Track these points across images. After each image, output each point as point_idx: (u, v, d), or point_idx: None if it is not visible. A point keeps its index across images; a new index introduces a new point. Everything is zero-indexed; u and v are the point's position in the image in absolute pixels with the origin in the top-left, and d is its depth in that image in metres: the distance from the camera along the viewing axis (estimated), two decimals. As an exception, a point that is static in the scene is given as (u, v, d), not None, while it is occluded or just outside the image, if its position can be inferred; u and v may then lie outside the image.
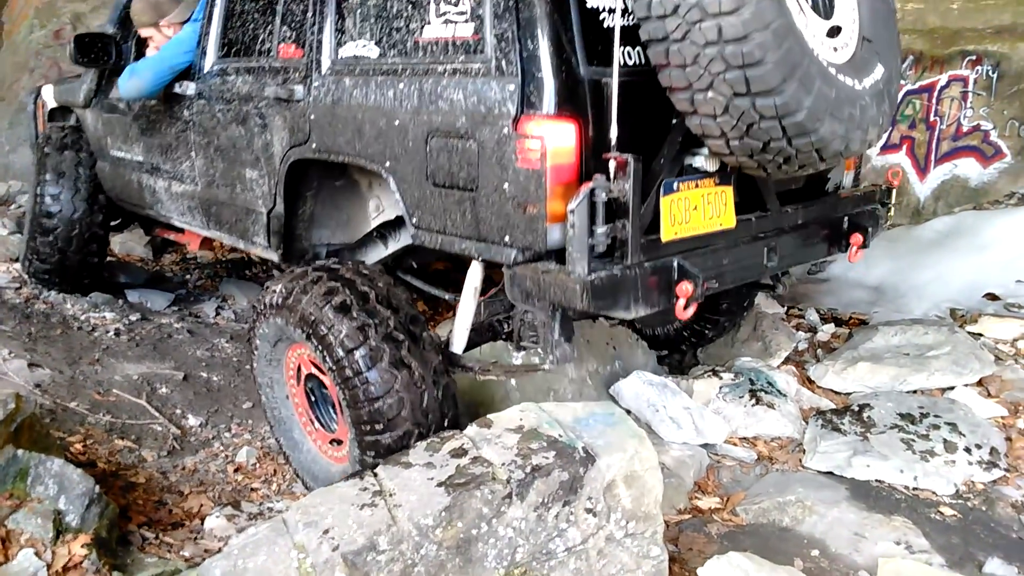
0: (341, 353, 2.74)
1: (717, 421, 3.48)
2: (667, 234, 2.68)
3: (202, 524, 3.10)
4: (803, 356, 4.34)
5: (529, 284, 2.57)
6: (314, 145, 3.23)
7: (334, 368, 2.78)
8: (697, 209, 2.77)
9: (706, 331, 4.29)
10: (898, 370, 3.80)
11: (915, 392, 3.71)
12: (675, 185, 2.70)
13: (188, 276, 6.13)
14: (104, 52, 4.46)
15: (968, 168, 6.34)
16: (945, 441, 3.29)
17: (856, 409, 3.54)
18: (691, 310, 2.62)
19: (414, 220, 2.94)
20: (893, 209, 3.65)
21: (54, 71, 9.13)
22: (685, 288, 2.58)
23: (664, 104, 2.53)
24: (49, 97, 5.45)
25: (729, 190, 2.88)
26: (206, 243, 4.61)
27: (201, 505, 3.23)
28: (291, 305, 2.91)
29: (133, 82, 4.09)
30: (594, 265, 2.46)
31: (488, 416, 2.64)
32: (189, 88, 3.95)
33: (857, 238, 3.37)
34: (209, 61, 3.88)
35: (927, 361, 3.82)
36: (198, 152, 3.98)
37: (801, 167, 2.59)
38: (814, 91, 2.36)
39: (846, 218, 3.40)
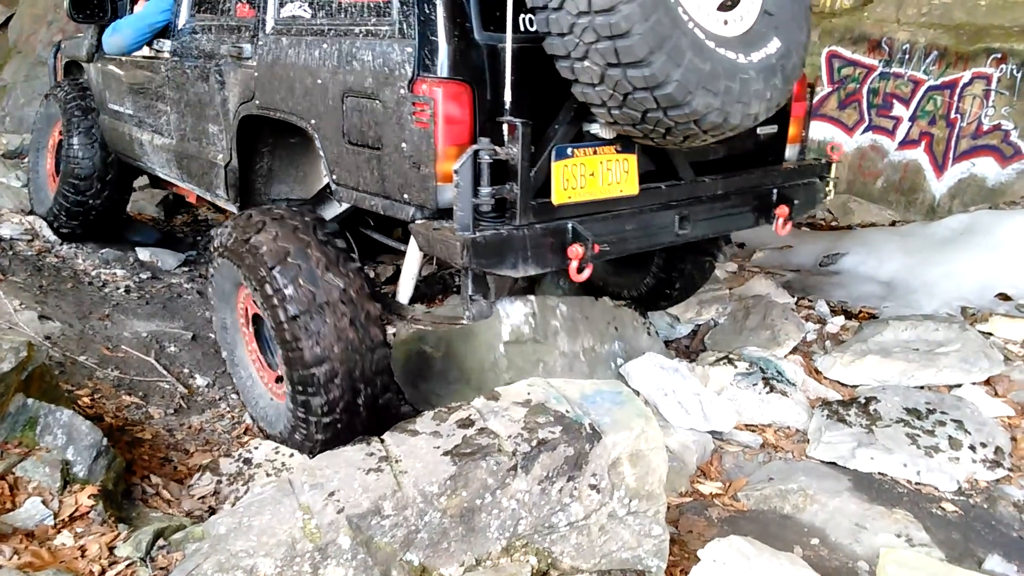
0: (241, 247, 2.94)
1: (726, 409, 3.48)
2: (559, 198, 2.71)
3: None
4: (811, 347, 4.32)
5: (422, 241, 2.64)
6: (257, 102, 3.33)
7: (240, 265, 2.95)
8: (594, 175, 2.80)
9: (665, 294, 4.42)
10: (906, 365, 3.79)
11: (923, 388, 3.70)
12: (569, 151, 2.72)
13: (199, 237, 6.13)
14: (99, 8, 4.56)
15: (986, 167, 6.28)
16: (950, 438, 3.29)
17: (863, 401, 3.53)
18: (586, 273, 2.65)
19: (334, 176, 3.04)
20: (833, 184, 3.63)
21: (71, 24, 9.10)
22: (576, 251, 2.61)
23: None
24: None
25: (632, 158, 2.89)
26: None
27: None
28: (210, 249, 3.23)
29: (115, 38, 4.25)
30: (481, 224, 2.52)
31: (496, 389, 2.64)
32: (165, 45, 4.06)
33: (783, 210, 3.34)
34: (182, 19, 3.98)
35: (936, 357, 3.81)
36: (173, 107, 4.10)
37: (685, 138, 2.62)
38: (684, 63, 2.37)
39: (775, 190, 3.38)
